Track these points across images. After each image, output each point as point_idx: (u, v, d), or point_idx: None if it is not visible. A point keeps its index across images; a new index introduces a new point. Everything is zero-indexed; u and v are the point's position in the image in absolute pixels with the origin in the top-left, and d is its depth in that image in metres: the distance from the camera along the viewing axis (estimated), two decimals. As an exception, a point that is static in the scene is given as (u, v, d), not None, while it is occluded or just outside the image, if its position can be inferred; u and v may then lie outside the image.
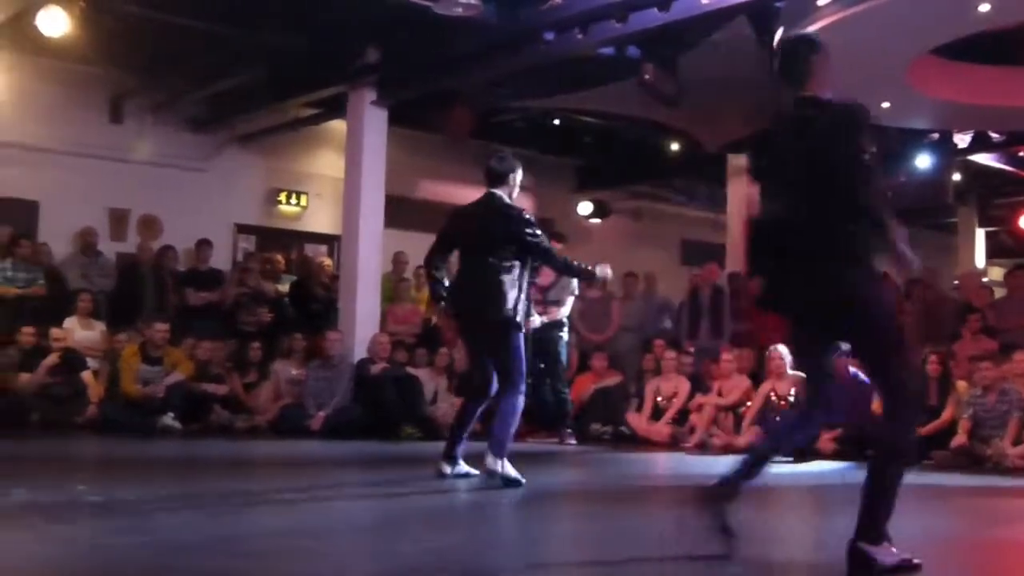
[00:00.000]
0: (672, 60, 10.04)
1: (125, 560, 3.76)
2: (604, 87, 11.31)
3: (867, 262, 3.88)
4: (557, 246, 10.38)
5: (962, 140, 12.44)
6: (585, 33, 9.16)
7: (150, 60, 11.66)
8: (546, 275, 10.07)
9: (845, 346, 9.26)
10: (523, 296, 6.31)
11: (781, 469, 8.39)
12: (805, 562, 4.46)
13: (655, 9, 8.58)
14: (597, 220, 16.13)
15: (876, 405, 9.32)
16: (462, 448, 6.53)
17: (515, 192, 6.62)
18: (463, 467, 6.49)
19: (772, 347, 10.04)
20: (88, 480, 6.10)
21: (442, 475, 6.44)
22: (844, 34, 8.64)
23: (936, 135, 12.41)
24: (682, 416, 10.43)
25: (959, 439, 8.67)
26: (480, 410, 6.55)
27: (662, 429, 10.36)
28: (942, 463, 8.52)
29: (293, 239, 13.96)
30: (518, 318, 6.26)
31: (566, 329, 10.19)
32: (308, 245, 13.99)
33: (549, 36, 9.49)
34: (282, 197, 13.76)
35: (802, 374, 4.39)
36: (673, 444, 10.09)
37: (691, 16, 8.58)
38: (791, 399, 9.75)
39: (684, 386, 10.55)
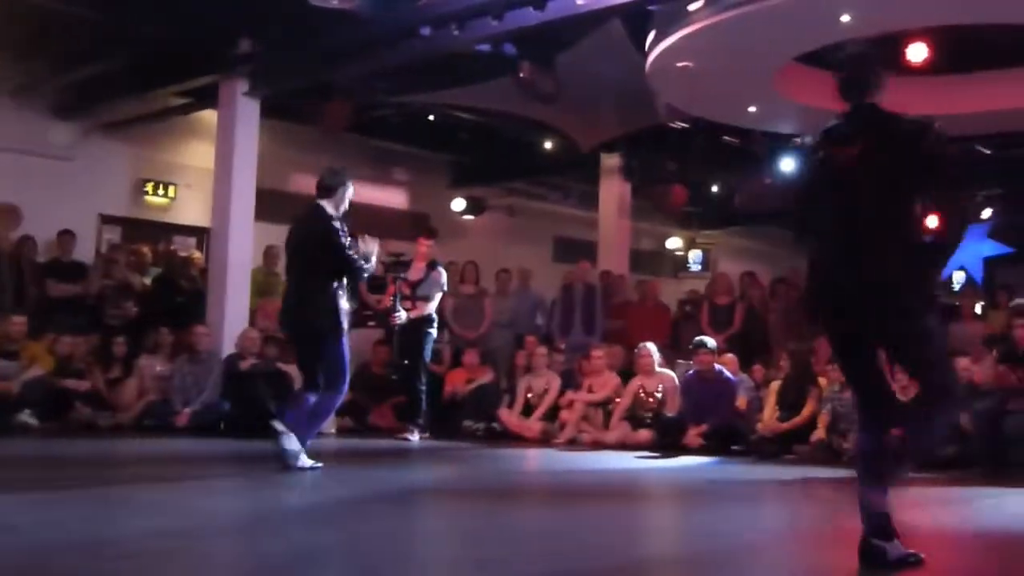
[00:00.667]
0: (549, 59, 10.15)
1: (-12, 562, 3.64)
2: (480, 84, 11.35)
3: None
4: (428, 241, 10.45)
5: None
6: (462, 30, 9.17)
7: (11, 43, 11.22)
8: (416, 271, 10.08)
9: (711, 343, 9.49)
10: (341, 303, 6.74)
11: (648, 464, 8.58)
12: (673, 556, 4.56)
13: (531, 8, 8.64)
14: (471, 216, 16.17)
15: (740, 402, 9.68)
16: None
17: (342, 206, 7.01)
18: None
19: (641, 344, 10.26)
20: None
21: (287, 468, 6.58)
22: (713, 40, 8.89)
23: (800, 139, 12.79)
24: (553, 412, 10.55)
25: (818, 434, 8.98)
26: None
27: (533, 425, 10.46)
28: (803, 457, 8.82)
29: (160, 231, 13.60)
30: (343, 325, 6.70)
31: (435, 326, 10.19)
32: (176, 237, 13.64)
33: (425, 32, 9.48)
34: (149, 188, 13.37)
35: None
36: (544, 440, 10.20)
37: (566, 16, 8.66)
38: (658, 395, 9.98)
39: (555, 383, 10.68)
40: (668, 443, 9.49)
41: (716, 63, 9.39)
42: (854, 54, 4.22)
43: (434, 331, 10.19)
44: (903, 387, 8.67)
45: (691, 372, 9.90)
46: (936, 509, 6.32)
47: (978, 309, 12.04)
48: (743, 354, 10.75)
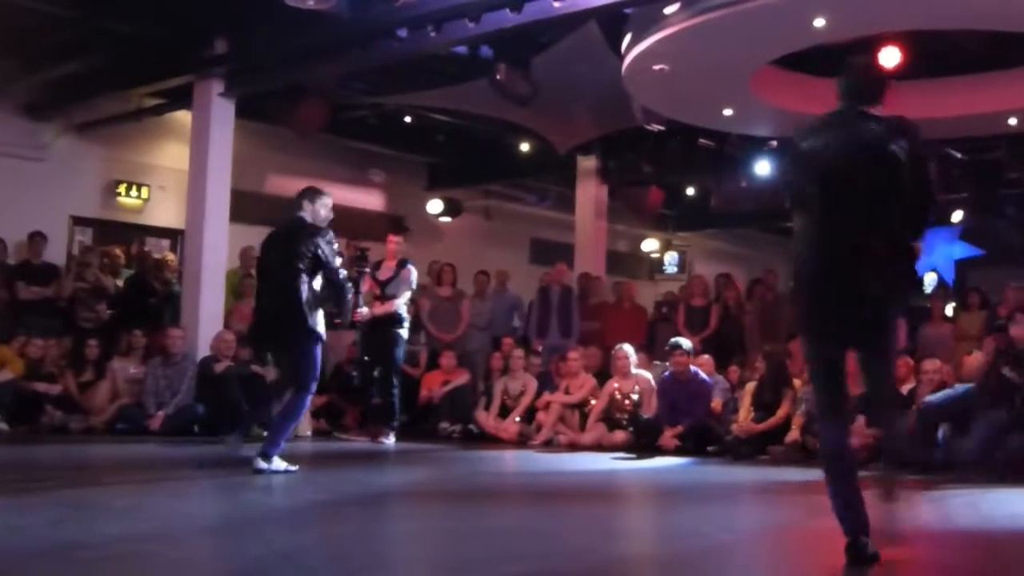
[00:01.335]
0: (525, 61, 10.16)
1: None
2: (457, 86, 11.35)
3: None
4: (396, 238, 10.43)
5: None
6: (438, 32, 9.16)
7: (-19, 41, 11.14)
8: (386, 270, 10.05)
9: (687, 344, 9.51)
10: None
11: (624, 465, 8.60)
12: (649, 556, 4.58)
13: (507, 10, 8.65)
14: (448, 218, 16.16)
15: (716, 403, 9.71)
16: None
17: (319, 217, 7.03)
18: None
19: (618, 346, 10.28)
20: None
21: (258, 471, 6.56)
22: (689, 43, 8.92)
23: (776, 142, 12.86)
24: (529, 414, 10.55)
25: (792, 435, 9.03)
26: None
27: (510, 427, 10.46)
28: (777, 458, 8.86)
29: (134, 232, 13.50)
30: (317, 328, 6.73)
31: (406, 326, 10.13)
32: (150, 239, 13.55)
33: (402, 33, 9.46)
34: (122, 189, 13.25)
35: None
36: (521, 442, 10.20)
37: (543, 18, 8.67)
38: (634, 397, 10.00)
39: (532, 384, 10.69)
40: (644, 444, 9.51)
41: (692, 66, 9.42)
42: (862, 63, 4.50)
43: (405, 332, 10.10)
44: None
45: (667, 374, 9.93)
46: (920, 507, 6.37)
47: (949, 311, 12.13)
48: (719, 355, 10.80)
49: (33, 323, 10.84)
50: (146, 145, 13.41)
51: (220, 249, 11.18)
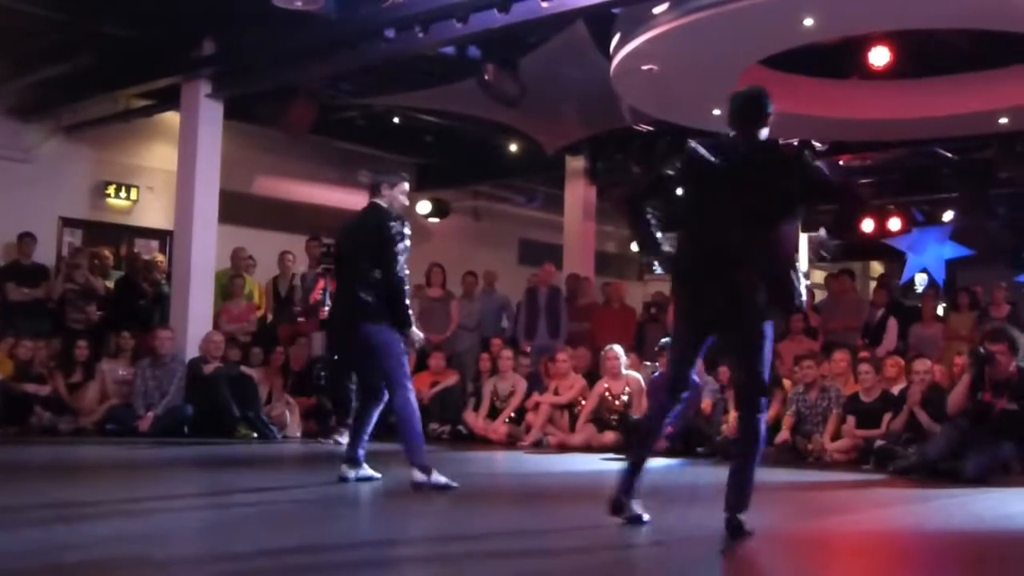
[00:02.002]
0: (513, 62, 10.15)
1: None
2: (445, 86, 11.33)
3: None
4: None
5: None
6: (426, 32, 9.16)
7: (-32, 45, 11.11)
8: None
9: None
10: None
11: (613, 466, 8.59)
12: (638, 557, 4.57)
13: (495, 11, 8.65)
14: (436, 219, 16.14)
15: (705, 404, 9.70)
16: (363, 451, 6.48)
17: (396, 202, 6.46)
18: (366, 470, 6.45)
19: (607, 347, 10.27)
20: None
21: (344, 479, 6.33)
22: (677, 43, 8.92)
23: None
24: (519, 415, 10.54)
25: (783, 435, 9.03)
26: (378, 411, 6.50)
27: (499, 428, 10.45)
28: (767, 458, 8.83)
29: (123, 233, 13.48)
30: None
31: None
32: (139, 240, 13.53)
33: (390, 34, 9.45)
34: (111, 190, 13.24)
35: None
36: (510, 443, 10.19)
37: (531, 18, 8.67)
38: (624, 398, 9.99)
39: (521, 385, 10.67)
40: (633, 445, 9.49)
41: (680, 66, 9.43)
42: (749, 93, 4.92)
43: None
44: (867, 388, 8.82)
45: (657, 374, 9.92)
46: (898, 509, 6.38)
47: (940, 311, 12.15)
48: (708, 357, 10.77)
49: (23, 324, 10.86)
50: (134, 146, 13.40)
51: (209, 250, 11.17)
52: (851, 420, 8.84)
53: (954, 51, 10.06)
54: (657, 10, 8.67)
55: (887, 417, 8.63)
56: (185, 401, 10.25)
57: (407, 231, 6.25)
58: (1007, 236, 16.19)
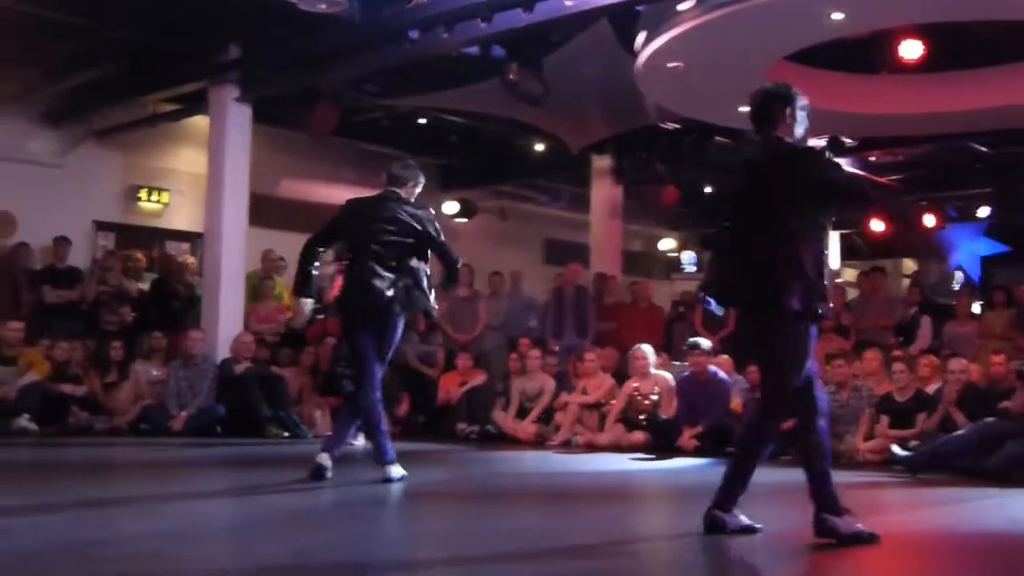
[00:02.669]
0: (537, 61, 10.13)
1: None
2: (469, 87, 11.33)
3: None
4: None
5: (817, 144, 12.82)
6: (450, 33, 9.16)
7: (2, 51, 11.20)
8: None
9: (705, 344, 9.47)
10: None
11: (642, 466, 8.56)
12: (666, 558, 4.55)
13: (519, 10, 8.63)
14: (463, 219, 16.15)
15: (735, 403, 9.63)
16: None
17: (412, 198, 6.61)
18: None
19: (636, 346, 10.23)
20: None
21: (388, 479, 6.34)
22: (703, 39, 8.87)
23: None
24: (547, 414, 10.52)
25: (813, 435, 8.94)
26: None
27: (527, 428, 10.44)
28: (798, 459, 8.77)
29: (154, 236, 13.61)
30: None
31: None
32: (169, 243, 13.65)
33: (414, 35, 9.46)
34: (142, 194, 13.38)
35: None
36: (539, 442, 10.18)
37: (555, 17, 8.65)
38: (654, 398, 9.94)
39: (549, 385, 10.66)
40: (662, 445, 9.47)
41: (706, 63, 9.37)
42: (766, 90, 4.89)
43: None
44: (901, 387, 8.72)
45: (686, 374, 9.87)
46: (931, 510, 6.32)
47: (975, 309, 12.01)
48: (737, 355, 10.71)
49: (58, 326, 11.02)
50: (164, 150, 13.53)
51: (239, 252, 11.26)
52: (884, 420, 8.75)
53: (986, 43, 9.93)
54: (682, 7, 8.63)
55: (921, 417, 8.53)
56: (216, 401, 10.36)
57: None
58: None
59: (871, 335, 10.99)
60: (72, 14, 10.18)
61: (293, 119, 11.88)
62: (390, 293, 6.21)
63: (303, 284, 6.54)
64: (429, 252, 6.48)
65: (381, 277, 6.23)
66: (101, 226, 13.13)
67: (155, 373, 10.65)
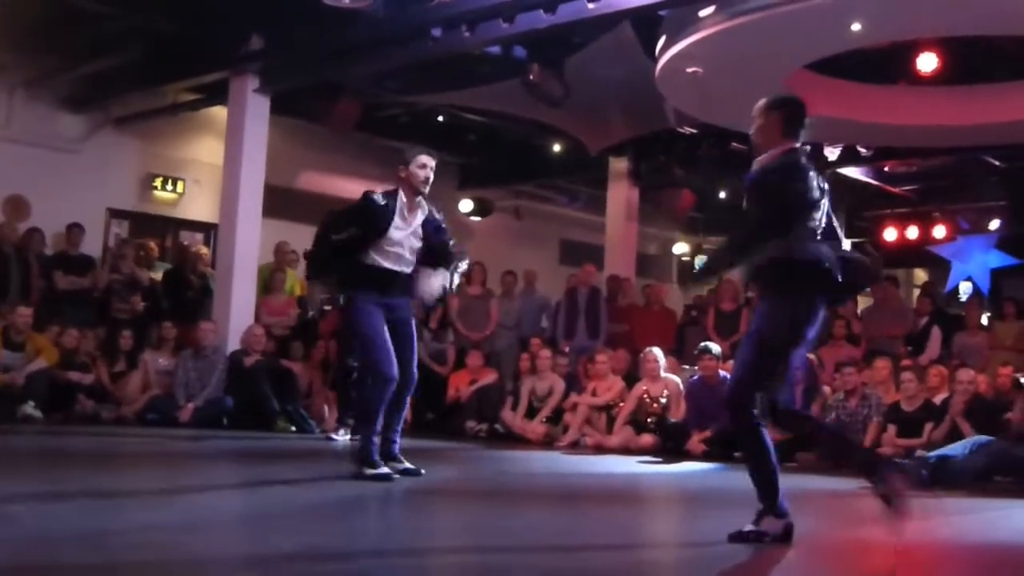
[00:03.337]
0: (558, 62, 10.15)
1: (-13, 554, 3.64)
2: (490, 86, 11.36)
3: None
4: None
5: (832, 153, 12.85)
6: (472, 32, 9.18)
7: (23, 35, 11.26)
8: None
9: (716, 349, 9.46)
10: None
11: (650, 469, 8.57)
12: (672, 561, 4.57)
13: (542, 11, 8.66)
14: (478, 218, 16.18)
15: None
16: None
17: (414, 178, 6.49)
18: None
19: (647, 349, 10.24)
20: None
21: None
22: (723, 46, 8.89)
23: (808, 147, 12.76)
24: (557, 415, 10.54)
25: (822, 442, 8.95)
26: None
27: (536, 428, 10.46)
28: (806, 465, 8.79)
29: (168, 226, 13.65)
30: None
31: None
32: (184, 232, 13.70)
33: (436, 32, 9.49)
34: (158, 183, 13.41)
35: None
36: (547, 443, 10.20)
37: (577, 19, 8.68)
38: (663, 401, 9.96)
39: (559, 385, 10.67)
40: (671, 448, 9.48)
41: (726, 69, 9.38)
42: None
43: None
44: (909, 396, 8.73)
45: (696, 378, 9.89)
46: (937, 520, 6.32)
47: (984, 320, 12.02)
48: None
49: (69, 313, 11.00)
50: (182, 140, 13.56)
51: (252, 244, 11.27)
52: (892, 429, 8.76)
53: (1003, 57, 9.94)
54: (703, 13, 8.65)
55: (928, 427, 8.55)
56: (225, 393, 10.36)
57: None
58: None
59: (881, 344, 11.00)
60: (95, 0, 10.21)
61: (314, 112, 11.91)
62: None
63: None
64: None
65: None
66: (115, 214, 13.16)
67: (164, 363, 10.65)
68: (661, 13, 9.14)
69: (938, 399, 8.80)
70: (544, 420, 10.52)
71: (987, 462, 7.61)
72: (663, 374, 10.09)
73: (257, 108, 11.24)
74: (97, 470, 6.65)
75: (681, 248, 19.21)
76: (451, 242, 6.54)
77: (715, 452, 9.22)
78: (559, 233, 17.62)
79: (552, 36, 9.51)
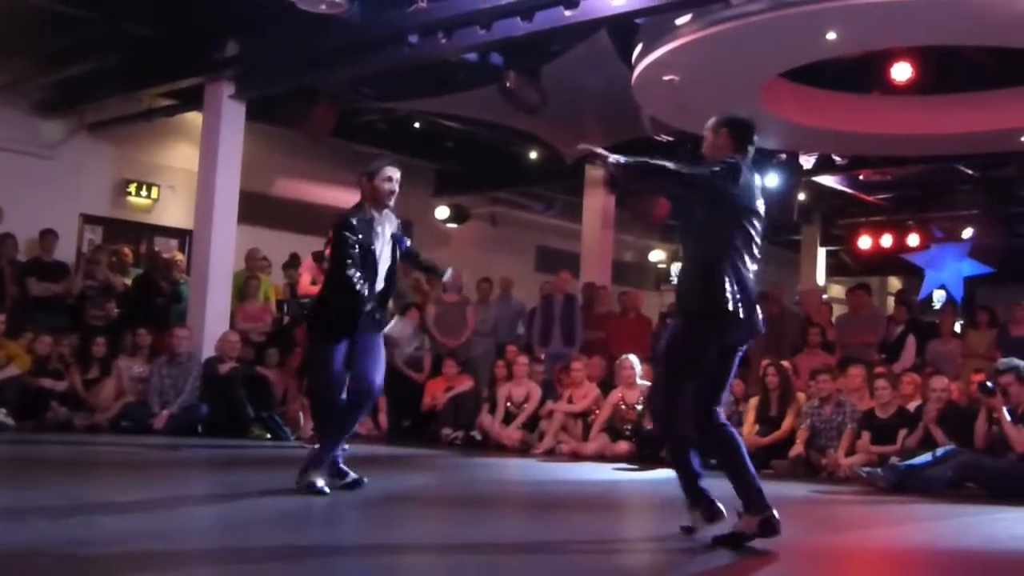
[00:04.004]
0: (535, 69, 10.17)
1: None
2: (467, 92, 11.36)
3: None
4: None
5: (808, 162, 12.92)
6: (449, 38, 9.18)
7: (-5, 40, 11.18)
8: None
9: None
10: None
11: (626, 476, 8.58)
12: (648, 567, 4.57)
13: (519, 18, 8.67)
14: (455, 225, 16.17)
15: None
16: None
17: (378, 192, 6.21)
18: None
19: (623, 356, 10.26)
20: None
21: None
22: (699, 54, 8.93)
23: (784, 155, 12.85)
24: (532, 422, 10.54)
25: (797, 449, 9.00)
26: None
27: (512, 434, 10.45)
28: (781, 472, 8.83)
29: (143, 232, 13.57)
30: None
31: None
32: (158, 239, 13.61)
33: (413, 39, 9.47)
34: (132, 188, 13.33)
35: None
36: (523, 450, 10.19)
37: (554, 27, 8.69)
38: (639, 408, 9.97)
39: (535, 392, 10.67)
40: (647, 455, 9.48)
41: (702, 77, 9.42)
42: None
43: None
44: (883, 403, 8.79)
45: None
46: (911, 526, 6.36)
47: (957, 328, 12.09)
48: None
49: (42, 319, 10.93)
50: (156, 145, 13.48)
51: (228, 250, 11.22)
52: (866, 436, 8.80)
53: (976, 68, 10.04)
54: (680, 21, 8.68)
55: (902, 433, 8.59)
56: (200, 400, 10.30)
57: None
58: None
59: (855, 351, 11.05)
60: (68, 4, 10.15)
61: (290, 118, 11.86)
62: None
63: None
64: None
65: None
66: (89, 220, 13.07)
67: (138, 370, 10.58)
68: (638, 21, 9.17)
69: (912, 406, 8.86)
70: (520, 427, 10.51)
71: (956, 472, 7.69)
72: (639, 381, 10.10)
73: (232, 114, 11.19)
74: (70, 478, 6.60)
75: (657, 256, 19.26)
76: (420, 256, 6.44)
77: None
78: (535, 240, 17.64)
79: (529, 43, 9.51)
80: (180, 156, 13.39)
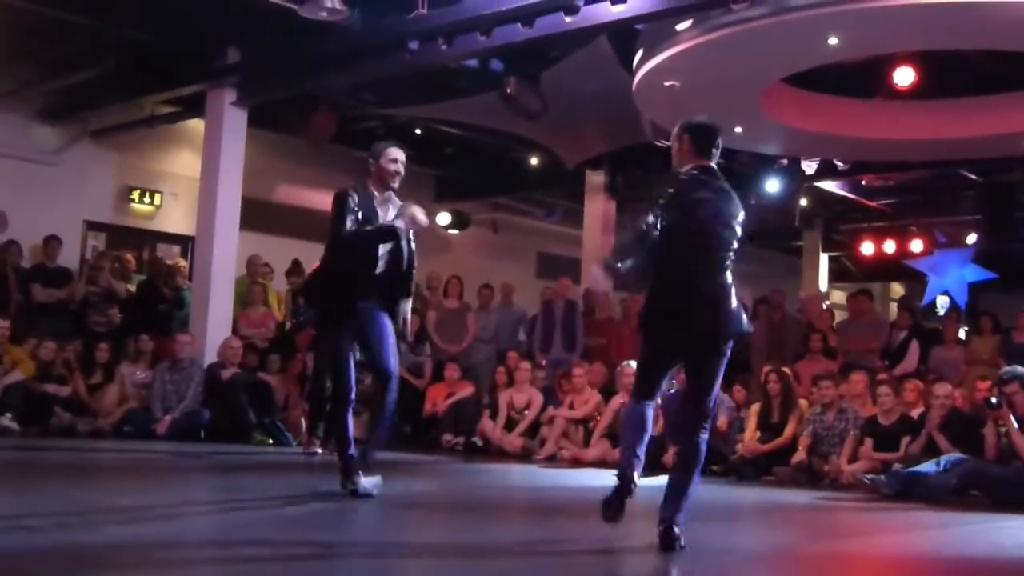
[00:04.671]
0: (535, 75, 10.17)
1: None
2: (467, 99, 11.36)
3: None
4: None
5: (810, 167, 12.91)
6: (449, 44, 9.18)
7: (-1, 47, 11.21)
8: None
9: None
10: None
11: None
12: (650, 574, 4.56)
13: (519, 24, 8.67)
14: (455, 231, 16.17)
15: (721, 422, 9.64)
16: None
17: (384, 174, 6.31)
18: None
19: (624, 362, 10.23)
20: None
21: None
22: (700, 59, 8.92)
23: (786, 161, 12.84)
24: (534, 428, 10.52)
25: (799, 455, 8.97)
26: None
27: (514, 440, 10.43)
28: (783, 479, 8.81)
29: (146, 238, 13.60)
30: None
31: None
32: (161, 245, 13.64)
33: (414, 45, 9.48)
34: (135, 195, 13.38)
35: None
36: (524, 456, 10.17)
37: (554, 33, 8.69)
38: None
39: (537, 398, 10.65)
40: (648, 462, 9.43)
41: (703, 83, 9.42)
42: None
43: None
44: (886, 410, 8.77)
45: (672, 391, 9.86)
46: (915, 534, 6.34)
47: (961, 334, 12.06)
48: (724, 374, 10.69)
49: (45, 325, 10.98)
50: (159, 152, 13.52)
51: (230, 256, 11.24)
52: (868, 442, 8.78)
53: (979, 72, 10.02)
54: (680, 27, 8.68)
55: (905, 440, 8.56)
56: (202, 406, 10.32)
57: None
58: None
59: (857, 357, 11.02)
60: (71, 11, 10.16)
61: (291, 125, 11.87)
62: None
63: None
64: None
65: None
66: (92, 226, 13.11)
67: (141, 376, 10.61)
68: (638, 27, 9.16)
69: (915, 413, 8.83)
70: (522, 433, 10.50)
71: (960, 480, 7.66)
72: (641, 387, 10.06)
73: (234, 121, 11.21)
74: (73, 482, 6.62)
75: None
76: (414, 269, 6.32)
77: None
78: (536, 246, 17.64)
79: (529, 49, 9.52)
80: (182, 163, 13.41)
